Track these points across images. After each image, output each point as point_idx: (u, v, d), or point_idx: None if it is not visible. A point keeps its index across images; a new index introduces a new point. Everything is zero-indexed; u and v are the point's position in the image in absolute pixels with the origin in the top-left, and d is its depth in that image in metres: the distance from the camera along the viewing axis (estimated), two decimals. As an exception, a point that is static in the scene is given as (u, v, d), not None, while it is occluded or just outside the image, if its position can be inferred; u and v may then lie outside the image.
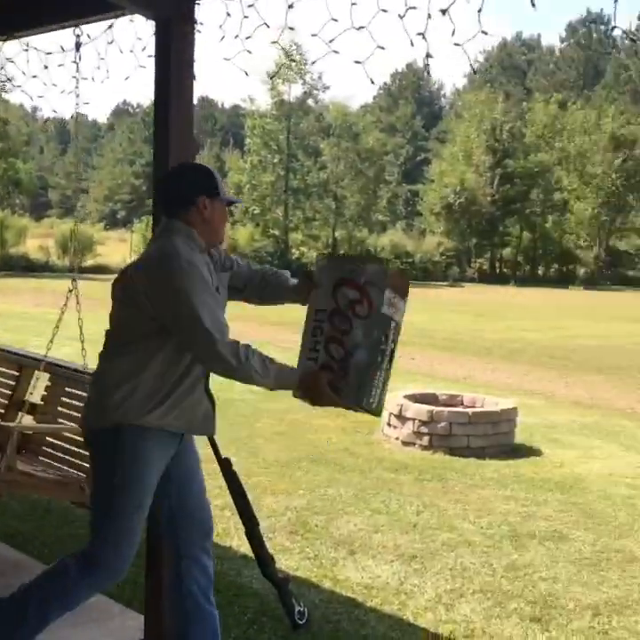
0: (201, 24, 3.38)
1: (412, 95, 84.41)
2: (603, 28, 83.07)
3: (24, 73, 4.66)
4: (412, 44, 2.70)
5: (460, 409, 8.14)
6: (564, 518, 5.92)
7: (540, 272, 50.13)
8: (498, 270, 51.86)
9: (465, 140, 50.84)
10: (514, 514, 5.93)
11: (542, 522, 5.79)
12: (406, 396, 8.25)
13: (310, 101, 53.09)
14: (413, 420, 7.87)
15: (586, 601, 4.47)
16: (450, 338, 18.47)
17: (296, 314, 3.29)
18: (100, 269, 35.88)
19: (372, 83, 3.50)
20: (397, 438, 7.98)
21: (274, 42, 3.30)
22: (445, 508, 6.01)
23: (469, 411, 7.98)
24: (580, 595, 4.54)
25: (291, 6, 3.09)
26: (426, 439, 7.76)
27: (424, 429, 7.78)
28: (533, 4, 2.62)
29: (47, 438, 4.72)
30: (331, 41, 2.99)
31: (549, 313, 27.98)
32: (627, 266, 48.84)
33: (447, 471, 7.05)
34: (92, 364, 3.35)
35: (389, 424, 8.12)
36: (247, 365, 2.83)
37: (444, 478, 6.83)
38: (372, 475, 6.89)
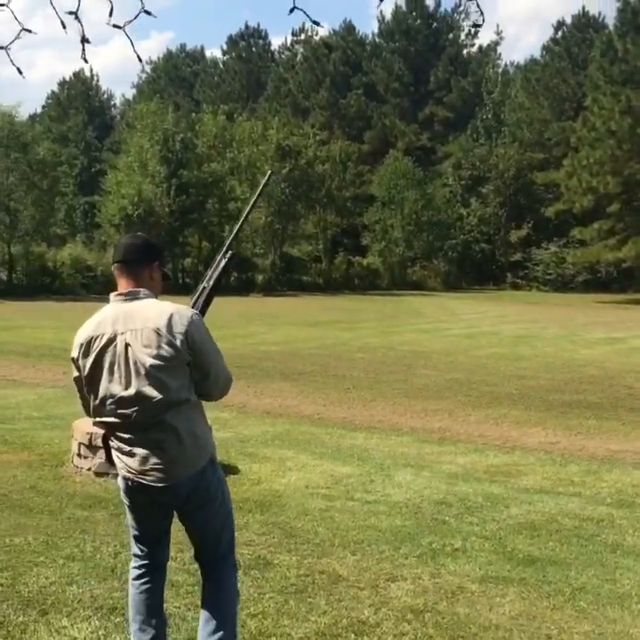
0: None
1: (82, 105, 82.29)
2: (261, 42, 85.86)
3: None
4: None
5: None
6: (267, 541, 5.80)
7: (222, 281, 50.75)
8: (181, 280, 51.91)
9: (139, 150, 50.33)
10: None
11: (245, 548, 5.61)
12: (97, 424, 7.77)
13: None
14: (105, 449, 7.42)
15: (296, 635, 4.34)
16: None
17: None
18: None
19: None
20: (90, 469, 7.51)
21: None
22: (134, 545, 5.67)
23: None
24: (290, 628, 4.41)
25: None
26: (119, 468, 7.34)
27: (116, 458, 7.36)
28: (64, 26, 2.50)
29: None
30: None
31: (234, 321, 28.29)
32: (300, 271, 50.89)
33: (144, 502, 6.69)
34: None
35: (80, 454, 7.62)
36: None
37: (142, 510, 6.47)
38: (64, 515, 6.38)
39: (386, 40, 74.18)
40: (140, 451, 3.48)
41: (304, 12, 2.57)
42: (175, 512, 3.71)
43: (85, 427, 7.64)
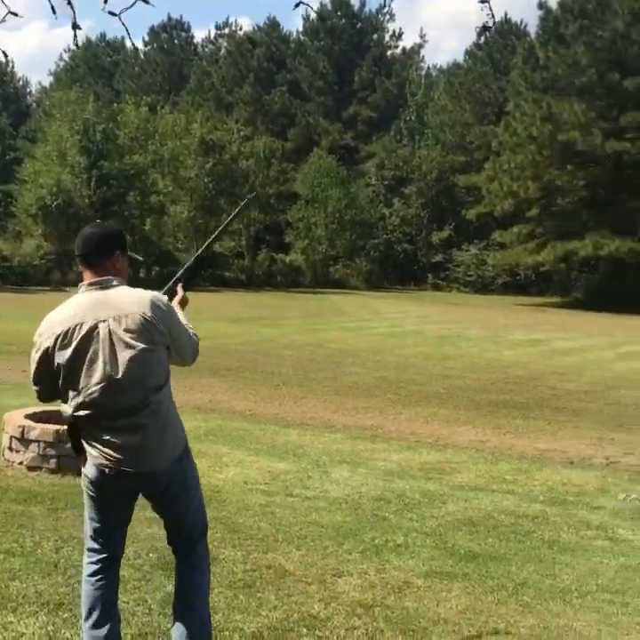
0: None
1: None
2: (183, 34, 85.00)
3: None
4: None
5: (88, 427, 7.66)
6: (211, 536, 5.64)
7: (142, 274, 50.18)
8: (98, 273, 51.07)
9: (58, 139, 49.22)
10: (160, 538, 5.64)
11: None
12: (28, 416, 7.62)
13: None
14: (38, 442, 7.27)
15: (248, 630, 4.32)
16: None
17: None
18: None
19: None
20: (22, 463, 7.33)
21: None
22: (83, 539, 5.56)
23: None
24: (242, 623, 4.38)
25: None
26: (53, 462, 7.20)
27: (51, 451, 7.22)
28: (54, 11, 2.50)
29: None
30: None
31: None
32: (222, 267, 50.54)
33: (80, 497, 6.55)
34: None
35: (11, 448, 7.44)
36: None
37: (80, 505, 6.24)
38: (-1, 509, 6.24)
39: (310, 38, 74.20)
40: (124, 438, 3.43)
41: (309, 6, 2.54)
42: (148, 501, 3.68)
43: (17, 420, 7.47)
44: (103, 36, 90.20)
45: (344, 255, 55.13)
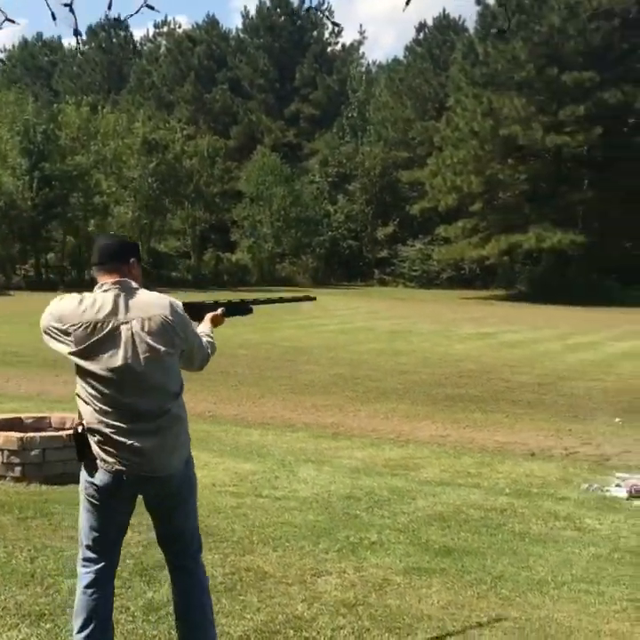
0: None
1: None
2: (122, 33, 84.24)
3: None
4: None
5: (52, 433, 7.58)
6: None
7: (86, 276, 49.60)
8: (44, 276, 50.39)
9: (-2, 141, 48.56)
10: (135, 544, 5.60)
11: (166, 548, 5.55)
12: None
13: None
14: (2, 450, 7.15)
15: (235, 634, 4.30)
16: (10, 351, 17.41)
17: None
18: None
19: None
20: (-16, 473, 7.22)
21: None
22: (61, 547, 5.48)
23: (64, 433, 7.46)
24: (228, 627, 4.35)
25: None
26: (18, 470, 7.10)
27: (15, 459, 7.11)
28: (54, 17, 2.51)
29: None
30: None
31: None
32: (169, 267, 50.26)
33: (50, 504, 6.49)
34: None
35: (-27, 458, 7.31)
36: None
37: (50, 513, 6.27)
38: (-34, 521, 6.12)
39: (250, 36, 74.04)
40: (144, 441, 3.42)
41: (318, 10, 2.53)
42: (151, 508, 3.65)
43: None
44: (40, 35, 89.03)
45: (290, 253, 55.17)
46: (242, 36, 75.52)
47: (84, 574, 3.62)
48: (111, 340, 3.41)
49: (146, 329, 3.45)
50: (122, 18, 2.39)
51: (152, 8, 2.40)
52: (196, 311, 4.10)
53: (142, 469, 3.43)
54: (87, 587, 3.59)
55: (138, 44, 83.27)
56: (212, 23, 75.36)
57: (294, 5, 73.67)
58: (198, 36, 74.04)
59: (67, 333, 3.45)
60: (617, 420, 11.48)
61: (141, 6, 2.24)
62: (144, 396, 3.42)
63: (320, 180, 59.60)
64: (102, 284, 3.56)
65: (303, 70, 69.69)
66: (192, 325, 3.75)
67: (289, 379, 14.17)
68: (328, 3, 58.61)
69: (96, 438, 3.44)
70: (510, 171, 48.03)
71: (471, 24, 56.00)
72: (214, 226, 55.76)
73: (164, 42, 78.96)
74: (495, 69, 48.14)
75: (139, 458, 3.41)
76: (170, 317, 3.52)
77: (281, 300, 4.33)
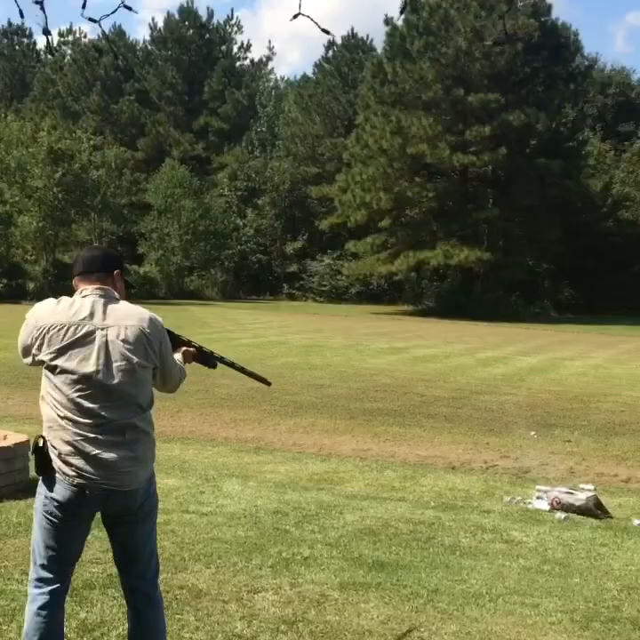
0: None
1: None
2: (25, 40, 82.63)
3: None
4: None
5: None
6: (112, 558, 5.55)
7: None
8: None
9: None
10: (63, 562, 5.41)
11: (94, 566, 5.39)
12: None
13: None
14: None
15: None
16: None
17: None
18: None
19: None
20: None
21: None
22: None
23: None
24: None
25: None
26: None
27: None
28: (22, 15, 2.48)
29: None
30: None
31: (7, 330, 26.91)
32: (74, 279, 49.19)
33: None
34: None
35: None
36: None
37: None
38: None
39: (158, 48, 73.43)
40: (108, 452, 3.32)
41: (310, 19, 2.49)
42: (110, 524, 3.53)
43: None
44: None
45: (199, 266, 54.67)
46: (149, 47, 74.82)
47: (38, 595, 3.47)
48: (84, 344, 3.33)
49: (121, 338, 3.37)
50: (97, 18, 2.29)
51: (130, 9, 2.32)
52: (171, 339, 4.04)
53: (106, 483, 3.31)
54: (41, 608, 3.44)
55: (42, 52, 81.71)
56: (118, 33, 74.41)
57: (203, 19, 73.42)
58: (105, 47, 72.98)
59: (40, 333, 3.35)
60: (532, 433, 11.68)
61: (118, 7, 2.16)
62: (112, 406, 3.33)
63: (229, 194, 59.34)
64: (82, 290, 3.48)
65: (212, 84, 69.36)
66: (169, 343, 3.65)
67: (206, 392, 14.00)
68: (237, 18, 58.61)
69: (58, 448, 3.32)
70: (418, 188, 48.65)
71: (379, 44, 56.56)
72: (122, 238, 54.91)
73: (69, 51, 77.66)
74: (403, 89, 48.74)
75: (103, 470, 3.30)
76: (147, 330, 3.46)
77: (242, 371, 4.31)
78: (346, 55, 66.22)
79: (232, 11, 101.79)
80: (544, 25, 49.41)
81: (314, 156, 60.44)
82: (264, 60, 78.29)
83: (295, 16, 2.53)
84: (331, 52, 67.31)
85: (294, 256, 57.53)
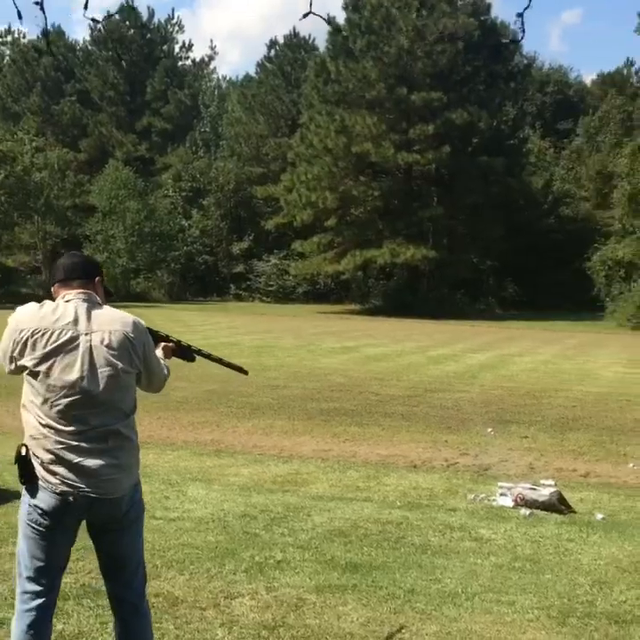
0: None
1: None
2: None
3: None
4: None
5: None
6: (85, 567, 5.45)
7: None
8: None
9: None
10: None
11: (68, 577, 5.25)
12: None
13: None
14: None
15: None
16: None
17: None
18: None
19: None
20: None
21: None
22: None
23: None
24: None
25: None
26: None
27: None
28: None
29: None
30: None
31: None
32: (18, 283, 48.51)
33: None
34: None
35: None
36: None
37: None
38: None
39: (99, 48, 72.61)
40: (92, 460, 3.27)
41: (322, 17, 2.47)
42: (95, 533, 3.47)
43: None
44: None
45: (145, 268, 54.20)
46: (90, 47, 73.94)
47: (25, 611, 3.39)
48: (68, 350, 3.27)
49: (105, 343, 3.32)
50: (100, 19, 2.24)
51: (133, 9, 2.25)
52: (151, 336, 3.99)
53: (90, 491, 3.26)
54: (31, 625, 3.36)
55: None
56: (57, 34, 73.42)
57: (144, 19, 72.76)
58: (44, 47, 71.97)
59: (22, 337, 3.29)
60: (489, 430, 11.79)
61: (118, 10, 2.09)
62: (95, 413, 3.28)
63: (174, 195, 58.95)
64: (65, 295, 3.42)
65: (154, 84, 68.80)
66: (152, 345, 3.63)
67: (161, 396, 13.78)
68: (178, 17, 58.22)
69: (40, 457, 3.26)
70: (363, 187, 48.86)
71: (322, 43, 56.61)
72: (66, 240, 54.20)
73: (7, 51, 76.41)
74: (347, 88, 48.88)
75: (87, 478, 3.25)
76: (131, 335, 3.42)
77: (220, 362, 4.24)
78: (288, 54, 66.18)
79: (173, 10, 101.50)
80: (484, 24, 49.94)
81: (258, 156, 60.33)
82: (206, 59, 77.93)
83: (305, 15, 2.50)
84: (273, 52, 67.20)
85: (240, 256, 57.39)
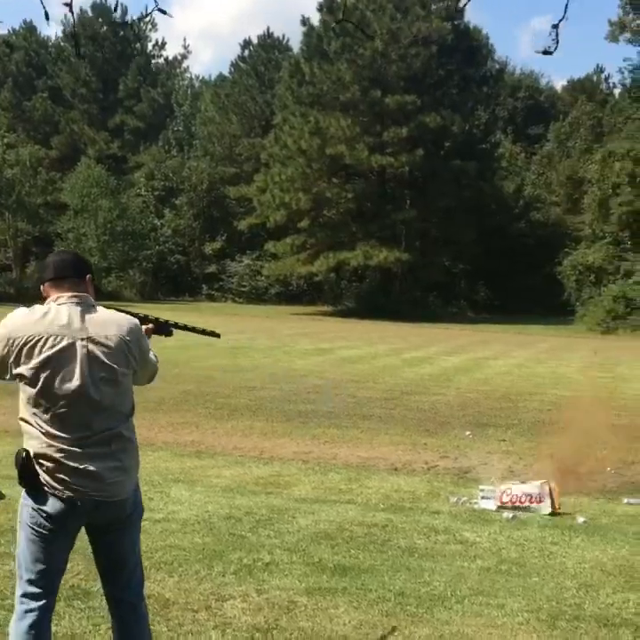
0: None
1: None
2: None
3: None
4: None
5: None
6: (73, 569, 5.33)
7: None
8: None
9: None
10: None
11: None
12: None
13: None
14: None
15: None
16: None
17: None
18: None
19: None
20: None
21: None
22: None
23: None
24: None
25: None
26: None
27: None
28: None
29: None
30: None
31: None
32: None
33: None
34: None
35: None
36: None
37: None
38: None
39: (71, 44, 72.09)
40: (96, 464, 3.26)
41: (354, 24, 2.46)
42: (96, 535, 3.46)
43: None
44: None
45: (117, 267, 53.89)
46: (62, 44, 73.40)
47: (26, 613, 3.36)
48: (65, 356, 3.23)
49: (102, 348, 3.30)
50: (131, 20, 2.22)
51: (164, 12, 2.26)
52: None
53: (97, 494, 3.25)
54: (31, 626, 3.34)
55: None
56: (29, 29, 72.88)
57: (116, 16, 72.32)
58: (15, 42, 71.39)
59: (15, 345, 3.23)
60: (468, 433, 11.85)
61: (153, 10, 2.10)
62: (97, 418, 3.27)
63: (146, 194, 58.69)
64: (57, 297, 3.36)
65: (127, 82, 68.47)
66: (147, 343, 3.62)
67: (138, 396, 13.59)
68: (151, 17, 57.92)
69: (44, 464, 3.23)
70: (337, 189, 48.94)
71: (296, 44, 56.60)
72: (37, 238, 53.79)
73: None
74: (321, 89, 48.95)
75: (92, 482, 3.24)
76: (127, 338, 3.40)
77: (193, 330, 4.31)
78: (262, 55, 66.13)
79: (146, 8, 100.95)
80: (457, 28, 50.19)
81: (231, 156, 60.22)
82: (179, 58, 77.68)
83: (338, 21, 2.49)
84: (247, 52, 67.11)
85: (213, 256, 57.25)
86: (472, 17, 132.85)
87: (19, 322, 3.31)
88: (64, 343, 3.25)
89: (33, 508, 3.31)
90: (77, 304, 3.37)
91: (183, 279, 57.67)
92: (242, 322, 36.45)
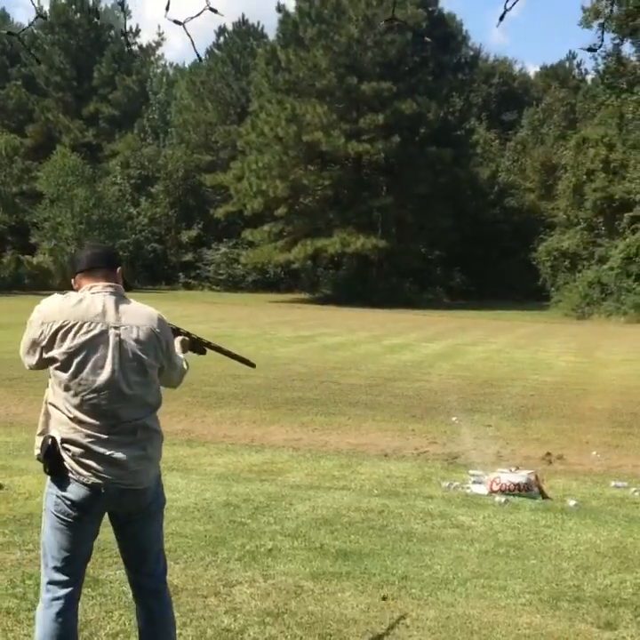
0: None
1: None
2: None
3: None
4: None
5: None
6: None
7: None
8: None
9: None
10: (27, 563, 5.32)
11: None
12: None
13: None
14: None
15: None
16: None
17: None
18: None
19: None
20: None
21: None
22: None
23: None
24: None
25: None
26: None
27: None
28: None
29: None
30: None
31: None
32: (-37, 270, 47.66)
33: None
34: None
35: None
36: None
37: None
38: None
39: (45, 31, 71.41)
40: (122, 452, 3.33)
41: (400, 21, 2.52)
42: (119, 523, 3.54)
43: None
44: None
45: (93, 256, 53.52)
46: (36, 31, 72.64)
47: (53, 600, 3.42)
48: (98, 344, 3.31)
49: (134, 338, 3.37)
50: (182, 21, 2.28)
51: (215, 11, 2.30)
52: None
53: (121, 482, 3.32)
54: (59, 614, 3.40)
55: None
56: (2, 17, 72.15)
57: (91, 3, 71.68)
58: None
59: (50, 330, 3.30)
60: (454, 419, 11.99)
61: (203, 9, 2.15)
62: (125, 407, 3.34)
63: (122, 182, 58.35)
64: (91, 286, 3.43)
65: (102, 69, 67.88)
66: (174, 341, 3.69)
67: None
68: (126, 3, 57.48)
69: (71, 450, 3.29)
70: (314, 176, 48.91)
71: (272, 31, 56.44)
72: (13, 227, 53.37)
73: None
74: (297, 76, 48.82)
75: (117, 470, 3.31)
76: (157, 330, 3.48)
77: (229, 354, 4.39)
78: (237, 42, 65.79)
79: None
80: (431, 15, 50.19)
81: (207, 144, 60.00)
82: (153, 45, 77.20)
83: (387, 20, 2.55)
84: (222, 39, 66.75)
85: (190, 245, 57.08)
86: (445, 3, 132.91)
87: (55, 307, 3.38)
88: (97, 330, 3.32)
89: (57, 496, 3.37)
90: (112, 294, 3.45)
91: (160, 268, 57.49)
92: (220, 310, 36.44)
